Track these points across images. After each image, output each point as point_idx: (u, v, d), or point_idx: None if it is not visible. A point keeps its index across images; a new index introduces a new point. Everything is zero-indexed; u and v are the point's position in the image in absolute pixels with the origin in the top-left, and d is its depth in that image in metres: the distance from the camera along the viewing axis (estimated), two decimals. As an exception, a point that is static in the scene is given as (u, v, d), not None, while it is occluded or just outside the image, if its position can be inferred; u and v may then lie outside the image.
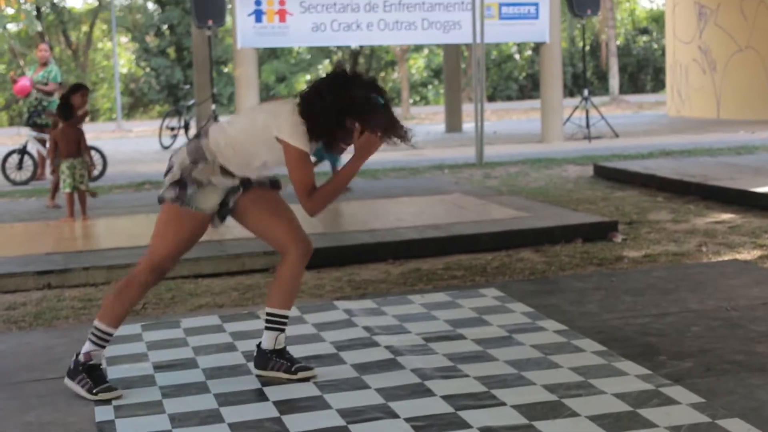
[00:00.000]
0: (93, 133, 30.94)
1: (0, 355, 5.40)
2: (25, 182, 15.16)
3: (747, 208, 9.95)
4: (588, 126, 19.69)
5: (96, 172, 15.17)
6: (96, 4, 45.62)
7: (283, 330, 4.71)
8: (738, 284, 6.33)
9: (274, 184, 4.75)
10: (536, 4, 19.56)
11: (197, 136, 4.70)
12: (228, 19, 19.59)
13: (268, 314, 4.69)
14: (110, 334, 4.62)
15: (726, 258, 7.61)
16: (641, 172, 12.41)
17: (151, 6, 45.88)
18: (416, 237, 8.38)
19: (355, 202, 10.15)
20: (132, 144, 24.93)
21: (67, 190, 10.05)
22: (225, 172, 4.56)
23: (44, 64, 15.56)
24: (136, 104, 46.82)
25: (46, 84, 15.33)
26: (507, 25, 19.62)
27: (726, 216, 9.63)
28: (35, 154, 15.44)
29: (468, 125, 23.55)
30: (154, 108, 45.71)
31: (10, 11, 33.65)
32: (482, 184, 12.56)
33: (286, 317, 4.70)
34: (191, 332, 5.50)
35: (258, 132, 4.52)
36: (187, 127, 22.29)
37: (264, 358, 4.71)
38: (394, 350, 4.99)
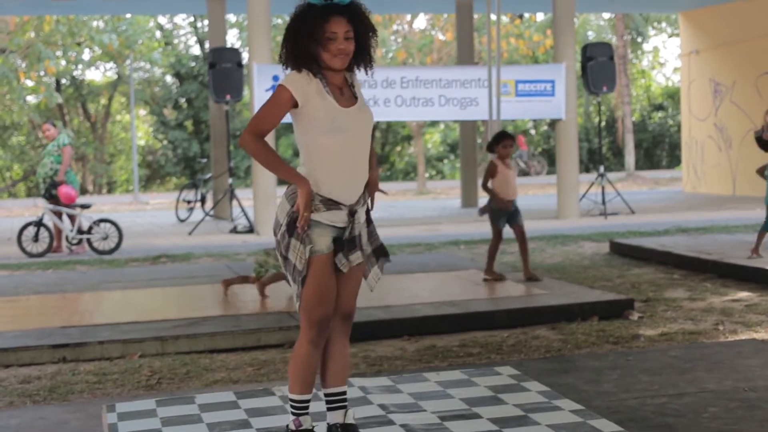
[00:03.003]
0: (110, 205, 31.10)
1: (14, 429, 5.39)
2: (41, 254, 15.20)
3: (764, 287, 9.92)
4: (604, 202, 19.70)
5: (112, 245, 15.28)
6: (115, 77, 46.04)
7: (344, 407, 4.73)
8: (755, 364, 6.29)
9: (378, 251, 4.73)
10: (552, 82, 19.67)
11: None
12: (245, 93, 19.74)
13: (326, 395, 4.73)
14: (305, 401, 4.61)
15: (743, 337, 7.57)
16: (657, 249, 12.40)
17: (169, 79, 46.28)
18: (432, 313, 8.37)
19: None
20: (148, 216, 25.02)
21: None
22: (327, 202, 4.49)
23: (53, 140, 15.73)
24: (153, 176, 47.05)
25: (59, 152, 15.46)
26: (523, 102, 19.72)
27: (743, 294, 9.60)
28: (51, 227, 15.50)
29: (484, 201, 23.55)
30: (171, 180, 45.92)
31: (29, 83, 34.01)
32: (498, 261, 12.55)
33: (345, 393, 4.73)
34: (206, 408, 5.48)
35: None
36: (203, 201, 22.37)
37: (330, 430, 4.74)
38: (410, 429, 4.96)
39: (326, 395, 4.71)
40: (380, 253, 4.72)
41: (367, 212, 4.69)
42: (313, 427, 4.67)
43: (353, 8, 4.45)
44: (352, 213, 4.53)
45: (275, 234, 4.57)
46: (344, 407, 4.71)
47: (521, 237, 10.23)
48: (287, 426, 4.67)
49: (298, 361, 4.56)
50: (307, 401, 4.61)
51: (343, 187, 4.50)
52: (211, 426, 5.14)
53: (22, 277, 12.32)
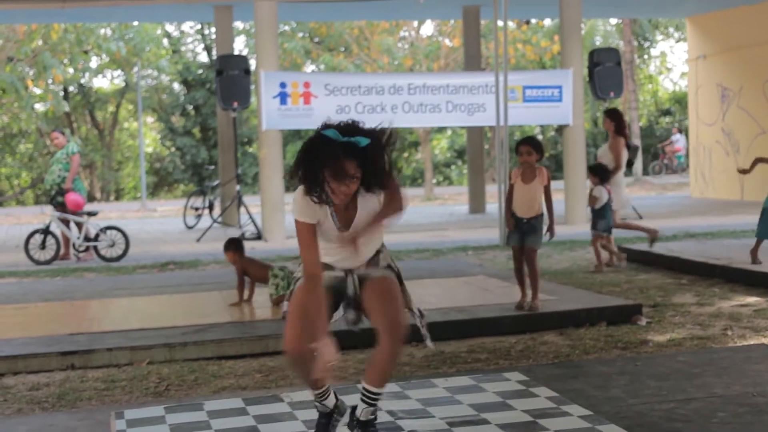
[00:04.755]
0: (118, 212, 31.14)
1: (23, 436, 5.40)
2: (48, 262, 15.22)
3: (772, 292, 9.91)
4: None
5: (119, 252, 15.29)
6: (122, 84, 46.12)
7: (374, 405, 4.83)
8: (764, 369, 6.28)
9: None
10: (560, 87, 19.66)
11: None
12: (253, 100, 19.76)
13: (363, 388, 4.82)
14: (317, 395, 4.90)
15: (752, 342, 7.56)
16: (665, 254, 12.39)
17: (177, 87, 46.35)
18: (440, 319, 8.36)
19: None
20: (156, 224, 25.05)
21: (281, 293, 9.24)
22: (325, 265, 4.77)
23: (62, 148, 15.76)
24: (160, 183, 47.10)
25: (67, 160, 15.49)
26: (531, 107, 19.71)
27: (751, 299, 9.59)
28: (59, 235, 15.52)
29: (491, 206, 23.57)
30: (179, 187, 45.96)
31: (37, 91, 34.07)
32: (506, 267, 12.53)
33: (379, 394, 4.81)
34: (214, 415, 5.48)
35: None
36: (211, 208, 22.39)
37: (351, 421, 4.90)
38: (418, 435, 4.97)
39: (362, 388, 4.84)
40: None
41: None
42: (332, 413, 4.94)
43: (369, 150, 4.47)
44: (347, 273, 4.84)
45: None
46: (371, 405, 4.83)
47: (529, 260, 8.88)
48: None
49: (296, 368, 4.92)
50: (319, 394, 4.87)
51: (336, 262, 4.84)
52: (219, 432, 5.15)
53: (30, 285, 12.34)
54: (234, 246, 9.54)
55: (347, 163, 4.42)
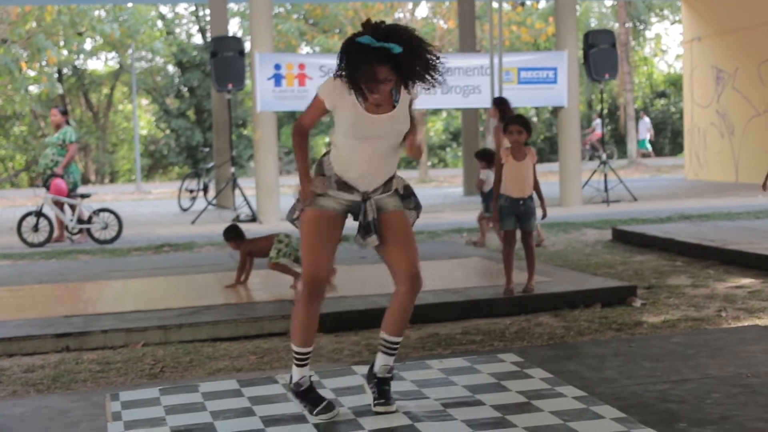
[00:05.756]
0: (112, 194, 31.11)
1: (18, 418, 5.40)
2: (41, 244, 15.17)
3: (767, 273, 9.92)
4: (606, 190, 19.69)
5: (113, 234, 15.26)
6: (117, 66, 46.02)
7: (392, 355, 5.08)
8: (758, 350, 6.29)
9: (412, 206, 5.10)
10: (555, 69, 19.66)
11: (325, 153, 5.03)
12: (247, 82, 19.73)
13: (381, 338, 5.08)
14: (303, 353, 4.99)
15: (746, 323, 7.58)
16: (660, 236, 12.39)
17: (171, 68, 46.26)
18: (434, 301, 8.37)
19: (373, 266, 10.14)
20: (151, 206, 25.03)
21: (278, 260, 9.13)
22: (341, 183, 4.89)
23: (58, 126, 15.68)
24: (155, 166, 47.08)
25: (62, 145, 15.44)
26: (526, 89, 19.71)
27: (746, 281, 9.60)
28: (52, 217, 15.49)
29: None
30: (174, 170, 45.93)
31: (31, 73, 33.99)
32: (500, 248, 12.54)
33: (397, 343, 5.08)
34: (209, 396, 5.48)
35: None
36: (206, 190, 22.37)
37: (370, 375, 5.16)
38: (413, 416, 4.97)
39: (380, 338, 5.09)
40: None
41: (406, 189, 5.08)
42: (311, 383, 5.05)
43: (403, 58, 4.59)
44: (365, 199, 4.90)
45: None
46: (389, 354, 5.07)
47: (527, 243, 8.82)
48: (289, 378, 5.09)
49: (294, 315, 4.98)
50: (306, 353, 4.99)
51: (356, 181, 4.89)
52: (214, 414, 5.15)
53: (25, 267, 12.33)
54: (234, 234, 9.55)
55: (379, 68, 4.57)
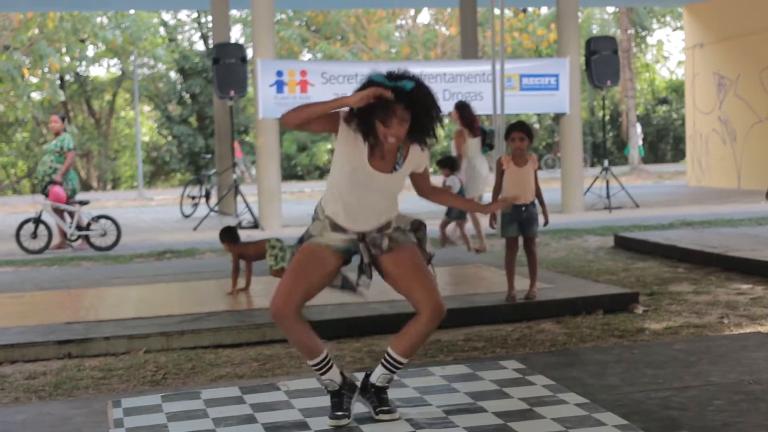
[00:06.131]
0: (114, 201, 31.13)
1: (19, 425, 5.40)
2: (40, 251, 15.17)
3: (769, 280, 9.92)
4: (608, 196, 19.70)
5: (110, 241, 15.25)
6: (119, 73, 46.07)
7: (394, 372, 5.02)
8: (760, 357, 6.29)
9: (417, 238, 5.08)
10: (556, 76, 19.67)
11: None
12: (249, 89, 19.74)
13: (388, 354, 5.00)
14: (318, 362, 4.96)
15: (748, 330, 7.57)
16: (662, 242, 12.39)
17: (173, 75, 46.31)
18: (436, 308, 8.35)
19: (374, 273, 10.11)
20: (153, 212, 25.04)
21: (278, 267, 9.17)
22: (335, 227, 4.90)
23: (57, 133, 15.70)
24: (157, 172, 47.11)
25: (60, 152, 15.44)
26: (527, 96, 19.73)
27: (747, 287, 9.59)
28: (51, 224, 15.48)
29: (488, 195, 23.52)
30: (176, 176, 45.96)
31: (33, 80, 34.02)
32: (502, 255, 12.52)
33: (402, 364, 5.00)
34: (211, 403, 5.48)
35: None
36: (208, 196, 22.38)
37: (364, 386, 5.08)
38: (415, 423, 4.96)
39: (388, 353, 5.02)
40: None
41: (413, 225, 5.06)
42: (339, 388, 5.01)
43: (416, 93, 4.64)
44: (361, 239, 4.92)
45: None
46: (391, 371, 5.02)
47: (530, 250, 8.82)
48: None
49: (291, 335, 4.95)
50: (318, 362, 4.94)
51: (350, 222, 4.90)
52: (216, 421, 5.15)
53: (27, 274, 12.34)
54: (227, 236, 9.52)
55: (395, 106, 4.60)
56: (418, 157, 4.89)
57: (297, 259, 4.89)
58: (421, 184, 5.06)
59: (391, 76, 4.65)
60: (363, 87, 4.65)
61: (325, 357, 4.96)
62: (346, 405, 4.99)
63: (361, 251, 4.92)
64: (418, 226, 5.06)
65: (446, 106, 19.73)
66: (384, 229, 4.95)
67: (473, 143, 13.54)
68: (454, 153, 13.65)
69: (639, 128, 39.79)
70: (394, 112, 4.61)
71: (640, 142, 39.30)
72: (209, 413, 5.30)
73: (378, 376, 5.02)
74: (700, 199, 21.56)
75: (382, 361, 5.02)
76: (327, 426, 4.95)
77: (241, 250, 9.43)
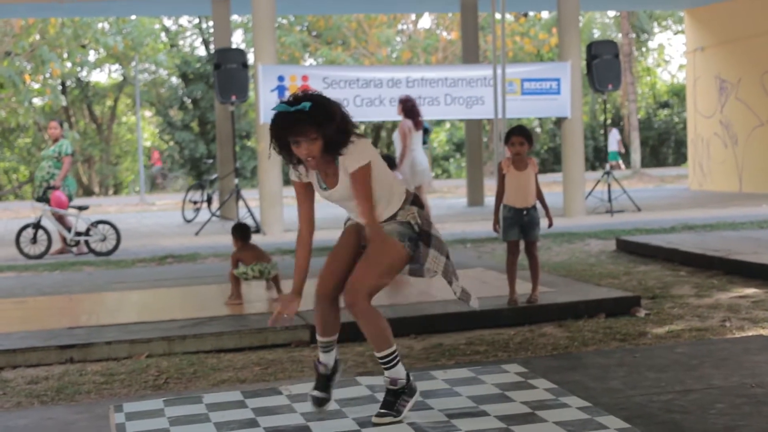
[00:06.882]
0: (116, 206, 31.13)
1: (22, 430, 5.40)
2: (39, 256, 15.18)
3: (771, 283, 9.91)
4: (610, 200, 19.69)
5: (110, 247, 15.25)
6: (120, 78, 46.10)
7: (386, 369, 5.11)
8: (763, 360, 6.28)
9: None
10: (558, 80, 19.67)
11: None
12: (251, 94, 19.74)
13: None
14: (323, 342, 5.25)
15: (750, 333, 7.57)
16: (664, 246, 12.38)
17: (174, 80, 46.33)
18: (439, 312, 8.37)
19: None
20: (155, 217, 25.05)
21: (240, 277, 9.32)
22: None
23: (56, 139, 15.70)
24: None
25: (58, 157, 15.45)
26: (529, 100, 19.73)
27: (750, 291, 9.59)
28: (51, 229, 15.48)
29: (490, 199, 23.57)
30: (177, 181, 45.95)
31: (35, 86, 34.04)
32: (504, 259, 12.53)
33: (380, 357, 5.09)
34: (213, 408, 5.48)
35: None
36: (209, 201, 22.37)
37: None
38: (417, 427, 4.96)
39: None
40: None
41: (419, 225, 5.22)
42: (329, 371, 5.26)
43: (314, 111, 4.84)
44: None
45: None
46: (384, 368, 5.12)
47: (531, 254, 8.80)
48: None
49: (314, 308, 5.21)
50: (324, 342, 5.22)
51: (355, 218, 5.21)
52: (218, 425, 5.15)
53: (29, 279, 12.34)
54: (239, 233, 9.52)
55: (299, 128, 4.81)
56: (346, 162, 5.00)
57: (336, 244, 5.22)
58: (352, 187, 5.13)
59: (292, 102, 4.88)
60: (272, 119, 4.94)
61: (334, 341, 5.25)
62: (331, 385, 5.27)
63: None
64: (423, 228, 5.20)
65: (448, 110, 19.84)
66: (388, 221, 5.10)
67: (416, 137, 13.83)
68: (398, 146, 13.83)
69: (616, 133, 39.80)
70: (298, 134, 4.83)
71: (616, 148, 39.27)
72: (211, 417, 5.30)
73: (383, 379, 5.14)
74: (701, 203, 21.56)
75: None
76: (316, 410, 5.20)
77: (241, 255, 9.41)
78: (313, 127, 4.80)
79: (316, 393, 5.21)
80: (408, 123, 13.80)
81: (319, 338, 5.24)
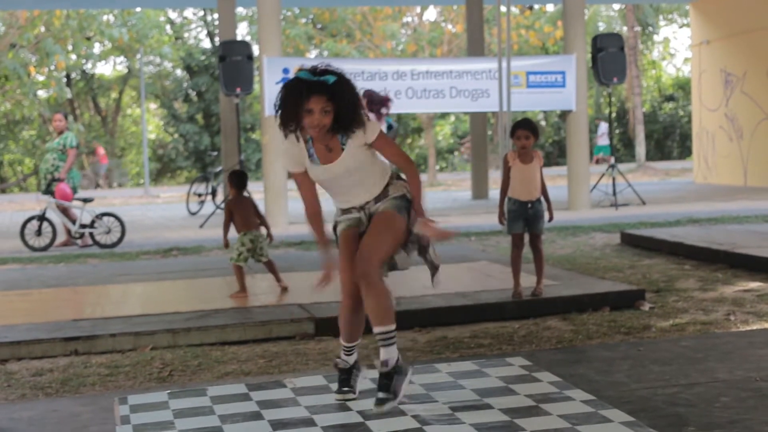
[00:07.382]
0: (121, 198, 31.15)
1: (27, 422, 5.40)
2: (44, 248, 15.19)
3: (775, 277, 9.91)
4: (615, 193, 19.68)
5: (115, 238, 15.26)
6: (125, 71, 46.10)
7: (386, 345, 5.16)
8: (767, 354, 6.28)
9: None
10: (563, 73, 19.65)
11: None
12: (256, 86, 19.74)
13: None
14: (345, 347, 5.38)
15: (755, 327, 7.56)
16: (668, 239, 12.37)
17: (179, 73, 46.32)
18: (443, 305, 8.37)
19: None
20: (159, 210, 25.05)
21: (240, 263, 9.31)
22: (343, 211, 5.32)
23: (60, 132, 15.70)
24: (163, 170, 47.12)
25: (63, 150, 15.45)
26: (534, 93, 19.71)
27: (754, 284, 9.58)
28: (55, 221, 15.49)
29: (494, 192, 23.56)
30: (182, 174, 45.97)
31: (40, 78, 34.04)
32: (509, 252, 12.53)
33: (381, 333, 5.14)
34: (217, 400, 5.48)
35: None
36: (214, 194, 22.38)
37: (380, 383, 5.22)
38: (421, 420, 4.96)
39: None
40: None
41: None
42: (351, 370, 5.37)
43: (336, 86, 4.96)
44: (361, 208, 5.27)
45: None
46: (383, 345, 5.17)
47: (536, 247, 8.81)
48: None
49: (339, 314, 5.32)
50: (347, 347, 5.35)
51: (345, 203, 5.29)
52: (223, 418, 5.15)
53: (33, 271, 12.35)
54: (235, 180, 9.49)
55: (316, 98, 4.90)
56: (361, 135, 5.09)
57: (339, 247, 5.24)
58: (383, 152, 5.25)
59: (314, 72, 4.96)
60: (289, 81, 5.00)
61: (357, 346, 5.39)
62: (353, 381, 5.35)
63: (363, 223, 5.26)
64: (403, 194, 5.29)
65: (453, 103, 19.82)
66: (380, 198, 5.23)
67: None
68: None
69: (604, 126, 39.62)
70: (315, 103, 4.90)
71: (606, 141, 39.09)
72: (216, 410, 5.30)
73: (379, 361, 5.16)
74: (706, 196, 21.54)
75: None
76: (334, 400, 5.25)
77: (235, 205, 9.35)
78: (331, 101, 4.91)
79: (340, 396, 5.32)
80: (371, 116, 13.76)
81: (343, 343, 5.36)
